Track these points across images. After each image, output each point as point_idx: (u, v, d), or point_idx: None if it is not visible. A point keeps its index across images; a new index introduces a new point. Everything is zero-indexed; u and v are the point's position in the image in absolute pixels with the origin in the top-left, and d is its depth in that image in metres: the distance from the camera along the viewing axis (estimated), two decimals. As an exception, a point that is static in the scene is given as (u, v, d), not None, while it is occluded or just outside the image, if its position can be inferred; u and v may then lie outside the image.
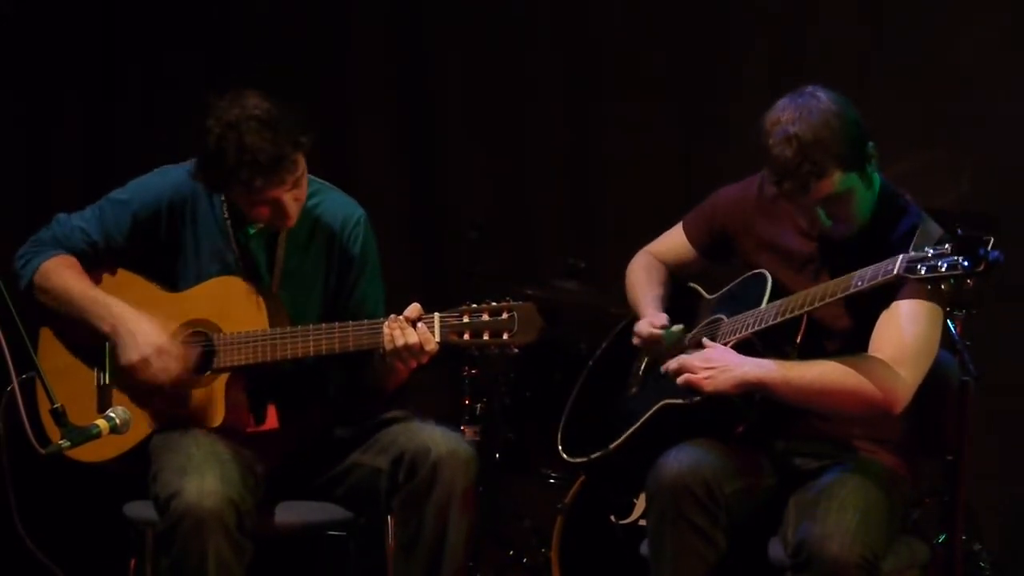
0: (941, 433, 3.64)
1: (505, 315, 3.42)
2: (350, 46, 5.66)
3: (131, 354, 3.55)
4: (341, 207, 3.76)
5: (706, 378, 3.35)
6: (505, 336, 3.41)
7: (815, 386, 3.32)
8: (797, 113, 3.34)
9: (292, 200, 3.55)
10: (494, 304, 3.43)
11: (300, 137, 3.50)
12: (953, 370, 3.67)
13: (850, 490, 3.33)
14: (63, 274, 3.67)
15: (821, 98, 3.36)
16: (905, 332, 3.32)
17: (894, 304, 3.34)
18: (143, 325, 3.57)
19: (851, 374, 3.29)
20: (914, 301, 3.32)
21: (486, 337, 3.42)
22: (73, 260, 3.69)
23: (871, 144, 3.39)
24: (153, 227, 3.68)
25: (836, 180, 3.33)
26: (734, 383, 3.34)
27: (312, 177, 3.70)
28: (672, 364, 3.42)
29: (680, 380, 3.39)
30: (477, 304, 3.43)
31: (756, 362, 3.35)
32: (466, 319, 3.43)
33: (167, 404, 3.61)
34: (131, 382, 3.60)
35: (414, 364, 3.50)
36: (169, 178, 3.71)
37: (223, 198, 3.66)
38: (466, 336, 3.43)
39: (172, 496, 3.39)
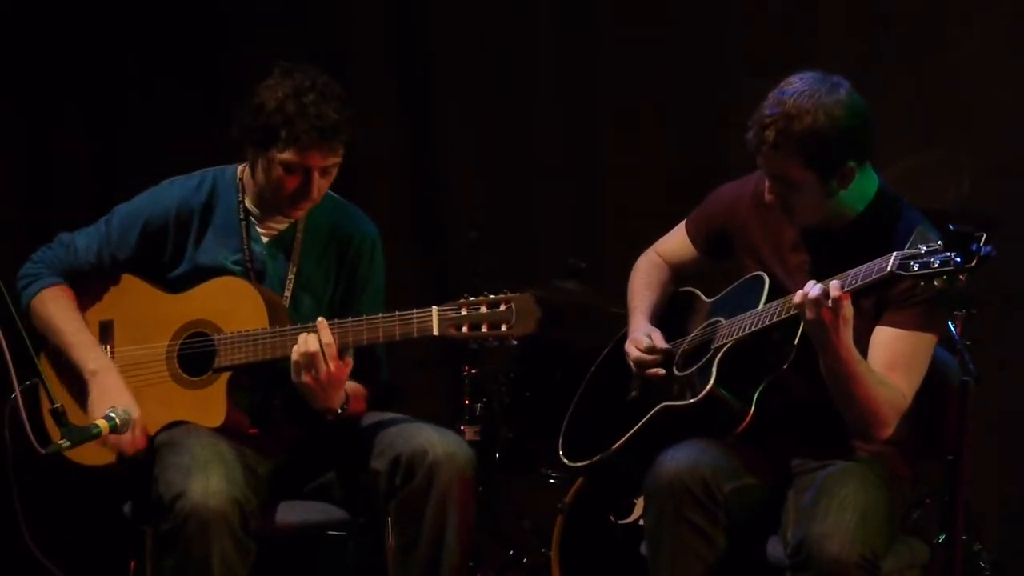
0: (941, 433, 3.64)
1: (503, 307, 3.40)
2: (350, 46, 5.67)
3: (95, 411, 3.54)
4: (357, 224, 3.78)
5: (832, 321, 3.24)
6: (504, 328, 3.40)
7: (860, 376, 3.31)
8: (806, 86, 3.35)
9: (317, 188, 3.58)
10: (492, 296, 3.42)
11: (352, 131, 3.57)
12: (953, 370, 3.67)
13: (850, 490, 3.33)
14: (55, 306, 3.68)
15: (839, 92, 3.35)
16: (913, 371, 3.38)
17: (909, 335, 3.36)
18: (117, 394, 3.56)
19: (882, 388, 3.33)
20: (929, 336, 3.38)
21: (484, 329, 3.41)
22: (68, 292, 3.71)
23: (852, 162, 3.37)
24: (162, 238, 3.69)
25: (790, 165, 3.34)
26: (834, 343, 3.26)
27: (333, 193, 3.75)
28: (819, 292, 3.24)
29: (814, 300, 3.24)
30: (475, 297, 3.43)
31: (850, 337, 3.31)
32: (464, 312, 3.41)
33: (168, 405, 3.62)
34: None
35: (310, 378, 3.47)
36: (176, 189, 3.74)
37: (240, 198, 3.68)
38: (464, 329, 3.41)
39: (177, 496, 3.39)
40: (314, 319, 3.60)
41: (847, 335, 3.27)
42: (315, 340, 3.46)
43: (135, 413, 3.47)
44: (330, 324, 3.49)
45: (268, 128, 3.54)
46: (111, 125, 5.57)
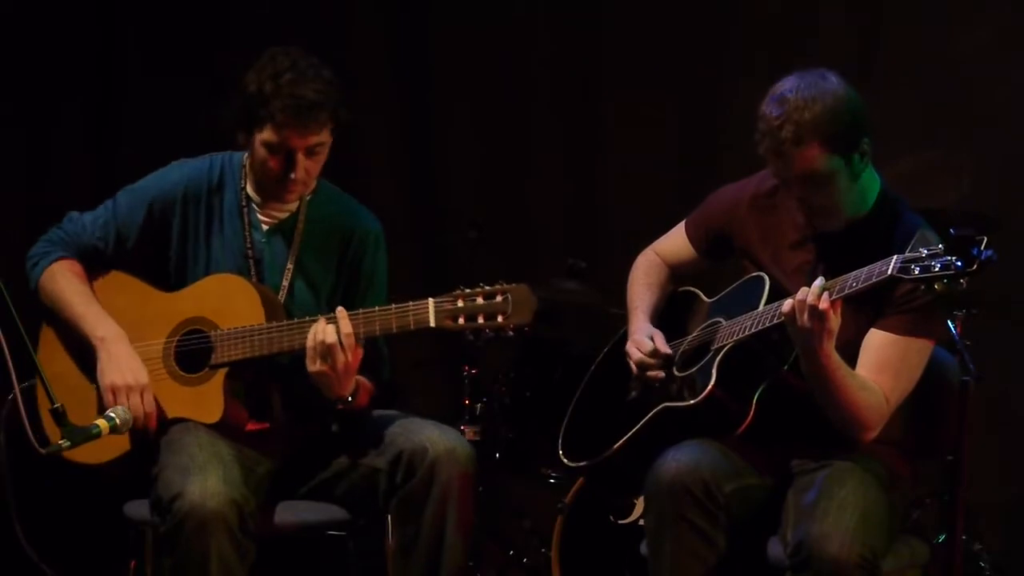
0: (941, 433, 3.64)
1: (499, 297, 3.40)
2: (350, 46, 5.67)
3: (104, 377, 3.56)
4: (360, 218, 3.77)
5: (818, 332, 3.24)
6: (500, 318, 3.40)
7: (840, 382, 3.32)
8: (798, 83, 3.36)
9: (303, 168, 3.57)
10: (487, 288, 3.42)
11: (340, 108, 3.56)
12: (953, 370, 3.67)
13: (850, 490, 3.33)
14: (64, 279, 3.68)
15: (828, 78, 3.37)
16: (900, 376, 3.38)
17: (901, 340, 3.36)
18: (126, 360, 3.58)
19: (864, 392, 3.34)
20: (922, 343, 3.37)
21: (481, 320, 3.40)
22: (77, 265, 3.71)
23: (867, 139, 3.38)
24: (168, 217, 3.69)
25: (816, 156, 3.33)
26: (816, 351, 3.27)
27: (335, 187, 3.76)
28: (813, 300, 3.25)
29: (805, 314, 3.24)
30: (471, 288, 3.42)
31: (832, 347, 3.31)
32: (460, 303, 3.41)
33: (166, 403, 3.61)
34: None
35: (326, 367, 3.47)
36: (186, 169, 3.75)
37: (243, 185, 3.69)
38: (461, 320, 3.41)
39: (175, 497, 3.38)
40: (311, 310, 3.60)
41: (829, 345, 3.28)
42: (332, 330, 3.45)
43: (144, 379, 3.54)
44: (327, 318, 3.49)
45: (248, 109, 3.56)
46: (111, 125, 5.57)
